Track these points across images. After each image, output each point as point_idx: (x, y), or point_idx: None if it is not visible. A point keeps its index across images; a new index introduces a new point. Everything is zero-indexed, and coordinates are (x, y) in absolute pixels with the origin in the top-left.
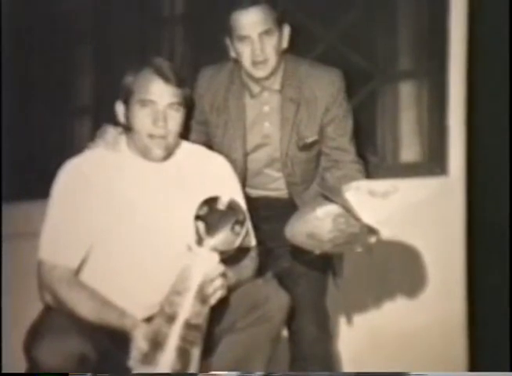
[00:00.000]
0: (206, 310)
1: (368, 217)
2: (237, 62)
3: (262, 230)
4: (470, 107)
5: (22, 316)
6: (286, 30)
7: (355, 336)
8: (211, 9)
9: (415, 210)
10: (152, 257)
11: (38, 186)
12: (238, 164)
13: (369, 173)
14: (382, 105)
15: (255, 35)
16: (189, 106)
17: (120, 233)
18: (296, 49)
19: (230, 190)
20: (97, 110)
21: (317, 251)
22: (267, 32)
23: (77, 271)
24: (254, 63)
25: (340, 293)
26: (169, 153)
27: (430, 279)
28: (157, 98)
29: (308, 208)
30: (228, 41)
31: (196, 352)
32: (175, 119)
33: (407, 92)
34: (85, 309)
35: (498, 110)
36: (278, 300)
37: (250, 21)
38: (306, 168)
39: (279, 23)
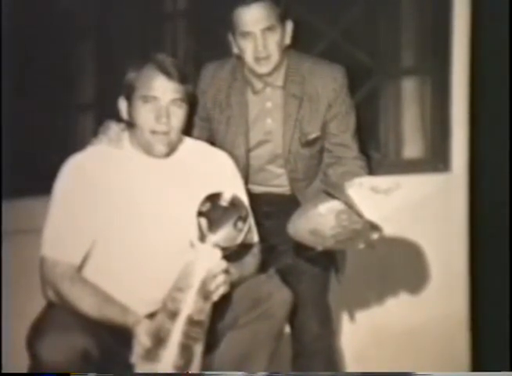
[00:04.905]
0: (208, 306)
1: (370, 213)
2: (240, 58)
3: (265, 227)
4: (472, 104)
5: (23, 314)
6: (289, 26)
7: (358, 332)
8: (214, 5)
9: (418, 206)
10: (154, 253)
11: (41, 183)
12: (240, 161)
13: (372, 169)
14: (385, 101)
15: (258, 31)
16: (191, 103)
17: (122, 229)
18: (299, 45)
19: (233, 187)
20: (100, 107)
21: (319, 248)
22: (270, 28)
23: (80, 267)
24: (257, 59)
25: (343, 289)
26: (172, 150)
27: (432, 275)
28: (160, 94)
29: (311, 205)
30: (230, 37)
31: (198, 349)
32: (178, 115)
33: (410, 88)
34: (88, 305)
35: (500, 107)
36: (280, 296)
37: (253, 17)
38: (309, 165)
39: (282, 19)
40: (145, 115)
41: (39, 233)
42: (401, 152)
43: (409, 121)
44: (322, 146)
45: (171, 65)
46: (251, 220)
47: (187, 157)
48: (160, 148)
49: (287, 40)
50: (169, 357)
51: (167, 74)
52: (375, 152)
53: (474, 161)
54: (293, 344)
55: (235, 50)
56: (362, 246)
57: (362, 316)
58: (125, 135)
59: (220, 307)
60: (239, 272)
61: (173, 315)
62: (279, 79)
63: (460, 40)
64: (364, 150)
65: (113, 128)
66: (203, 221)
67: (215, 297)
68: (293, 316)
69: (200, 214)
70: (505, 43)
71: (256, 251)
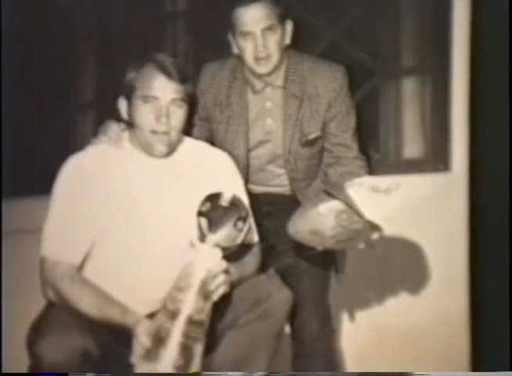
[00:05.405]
0: (208, 306)
1: (371, 213)
2: (240, 58)
3: (265, 226)
4: (473, 103)
5: (23, 314)
6: (289, 26)
7: (358, 332)
8: (214, 5)
9: (418, 206)
10: (154, 253)
11: (41, 183)
12: (240, 161)
13: (372, 169)
14: (385, 101)
15: (258, 31)
16: (191, 102)
17: (122, 229)
18: (299, 45)
19: (233, 186)
20: (100, 106)
21: (320, 248)
22: (270, 28)
23: (80, 267)
24: (257, 59)
25: (343, 289)
26: (172, 150)
27: (432, 275)
28: (160, 94)
29: (311, 205)
30: (230, 37)
31: (198, 349)
32: (178, 115)
33: (410, 88)
34: (88, 305)
35: (500, 107)
36: (280, 296)
37: (253, 17)
38: (309, 165)
39: (282, 19)
40: (145, 115)
41: (39, 233)
42: (401, 152)
43: (409, 121)
44: (322, 146)
45: (171, 65)
46: (251, 220)
47: (187, 157)
48: (160, 148)
49: (287, 40)
50: (169, 357)
51: (167, 73)
52: (375, 152)
53: (474, 161)
54: (293, 344)
55: (235, 50)
56: (362, 246)
57: (362, 316)
58: (125, 134)
59: (220, 307)
60: (239, 272)
61: (173, 315)
62: (279, 79)
63: (460, 40)
64: (364, 150)
65: (113, 127)
66: (203, 221)
67: (215, 297)
68: (293, 316)
69: (200, 214)
70: (505, 43)
71: (256, 250)
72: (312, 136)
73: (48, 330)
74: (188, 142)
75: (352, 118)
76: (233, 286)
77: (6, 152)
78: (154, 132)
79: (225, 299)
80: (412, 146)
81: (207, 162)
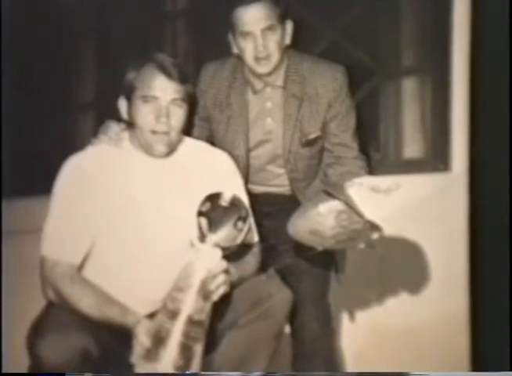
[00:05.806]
0: (208, 306)
1: (371, 213)
2: (240, 58)
3: (265, 226)
4: (473, 103)
5: (23, 314)
6: (289, 26)
7: (358, 332)
8: (214, 5)
9: (418, 206)
10: (154, 253)
11: (41, 182)
12: (240, 161)
13: (372, 169)
14: (385, 101)
15: (258, 31)
16: (191, 102)
17: (122, 229)
18: (299, 45)
19: (233, 186)
20: (100, 106)
21: (320, 248)
22: (270, 28)
23: (80, 267)
24: (257, 59)
25: (343, 289)
26: (172, 150)
27: (432, 275)
28: (160, 94)
29: (311, 205)
30: (230, 37)
31: (198, 349)
32: (178, 115)
33: (410, 88)
34: (88, 305)
35: (501, 107)
36: (280, 296)
37: (253, 17)
38: (309, 164)
39: (282, 19)
40: (145, 115)
41: (39, 233)
42: (401, 152)
43: (409, 121)
44: (322, 146)
45: (171, 65)
46: (251, 220)
47: (187, 157)
48: (160, 148)
49: (287, 40)
50: (169, 357)
51: (167, 73)
52: (375, 152)
53: (474, 161)
54: (293, 344)
55: (235, 50)
56: (362, 246)
57: (362, 316)
58: (125, 134)
59: (220, 307)
60: (239, 272)
61: (173, 315)
62: (279, 79)
63: (460, 40)
64: (364, 150)
65: (114, 127)
66: (204, 221)
67: (215, 297)
68: (293, 316)
69: (200, 214)
70: (505, 43)
71: (256, 250)
72: (312, 136)
73: (48, 330)
74: (188, 142)
75: (352, 118)
76: (233, 286)
77: (6, 152)
78: (154, 132)
79: (225, 299)
80: (412, 146)
81: (207, 162)
